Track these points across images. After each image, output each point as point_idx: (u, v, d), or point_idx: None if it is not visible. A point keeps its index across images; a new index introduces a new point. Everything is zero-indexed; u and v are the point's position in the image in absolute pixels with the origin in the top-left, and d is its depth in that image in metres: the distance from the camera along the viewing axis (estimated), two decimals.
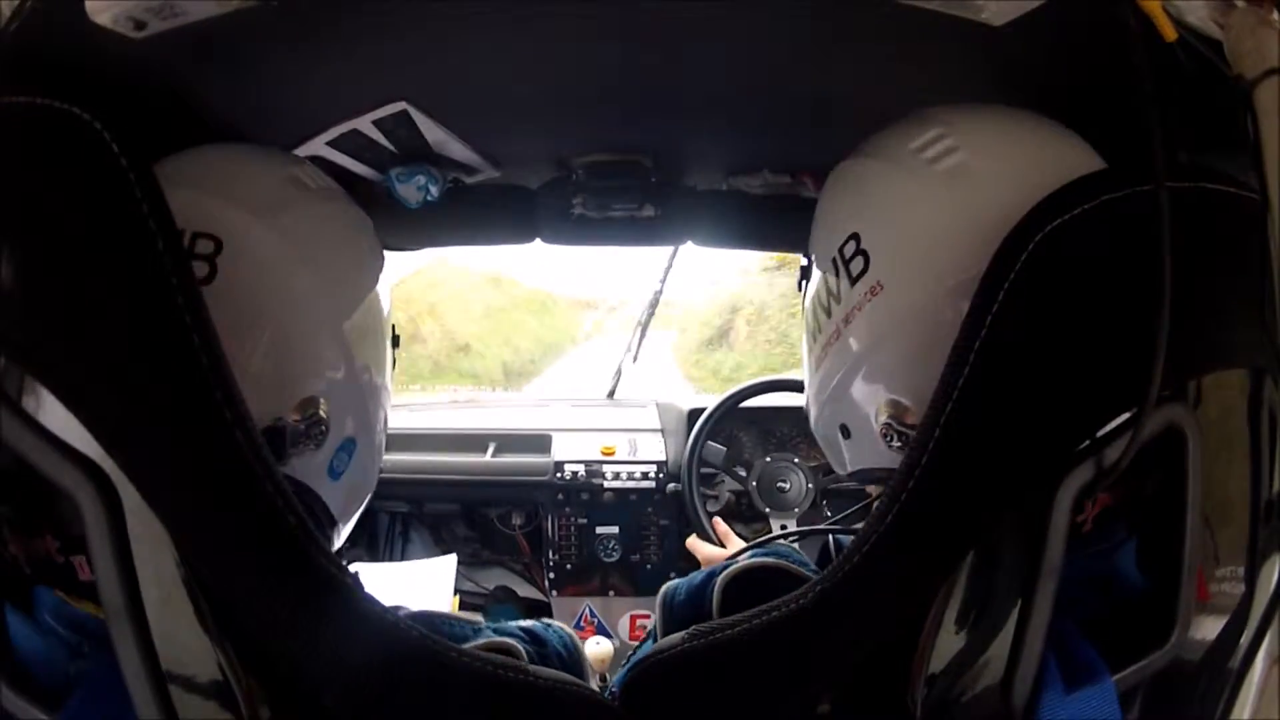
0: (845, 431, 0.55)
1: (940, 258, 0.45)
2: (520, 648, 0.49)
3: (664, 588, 0.56)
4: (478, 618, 0.55)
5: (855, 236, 0.49)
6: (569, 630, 0.57)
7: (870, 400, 0.50)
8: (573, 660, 0.54)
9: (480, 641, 0.49)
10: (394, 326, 0.59)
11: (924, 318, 0.46)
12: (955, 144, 0.46)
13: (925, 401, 0.47)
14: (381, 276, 0.56)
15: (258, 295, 0.45)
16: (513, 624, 0.55)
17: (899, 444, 0.49)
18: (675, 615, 0.54)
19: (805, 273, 0.58)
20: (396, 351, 0.60)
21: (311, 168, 0.54)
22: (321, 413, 0.48)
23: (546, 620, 0.57)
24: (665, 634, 0.52)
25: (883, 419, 0.49)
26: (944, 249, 0.45)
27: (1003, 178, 0.45)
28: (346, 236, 0.54)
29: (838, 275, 0.51)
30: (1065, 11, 0.45)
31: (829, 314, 0.52)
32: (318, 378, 0.48)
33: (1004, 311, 0.38)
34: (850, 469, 0.57)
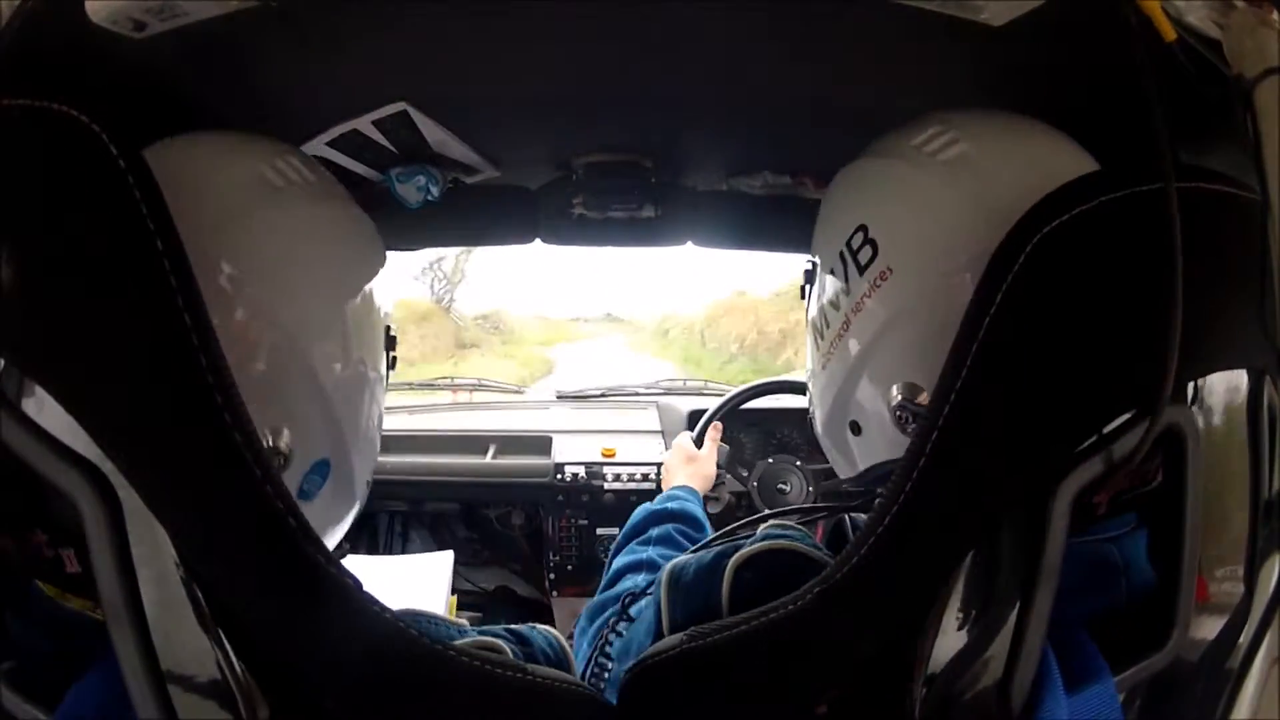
0: (855, 428, 0.55)
1: (947, 239, 0.46)
2: (506, 647, 0.48)
3: (671, 563, 0.55)
4: (463, 621, 0.54)
5: (863, 228, 0.51)
6: (555, 633, 0.55)
7: (883, 386, 0.51)
8: (559, 661, 0.53)
9: (465, 641, 0.47)
10: (389, 329, 0.54)
11: (934, 298, 0.47)
12: (955, 137, 0.48)
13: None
14: (375, 284, 0.51)
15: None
16: (498, 626, 0.53)
17: (914, 426, 0.49)
18: (682, 594, 0.53)
19: (809, 277, 0.58)
20: (392, 354, 0.56)
21: (294, 161, 0.48)
22: (282, 445, 0.44)
23: (533, 624, 0.56)
24: (669, 611, 0.53)
25: (896, 401, 0.50)
26: (950, 231, 0.46)
27: (1004, 166, 0.46)
28: (324, 246, 0.48)
29: (845, 267, 0.52)
30: (1065, 12, 0.45)
31: (837, 308, 0.53)
32: (278, 406, 0.44)
33: (1002, 312, 0.38)
34: (861, 468, 0.56)
